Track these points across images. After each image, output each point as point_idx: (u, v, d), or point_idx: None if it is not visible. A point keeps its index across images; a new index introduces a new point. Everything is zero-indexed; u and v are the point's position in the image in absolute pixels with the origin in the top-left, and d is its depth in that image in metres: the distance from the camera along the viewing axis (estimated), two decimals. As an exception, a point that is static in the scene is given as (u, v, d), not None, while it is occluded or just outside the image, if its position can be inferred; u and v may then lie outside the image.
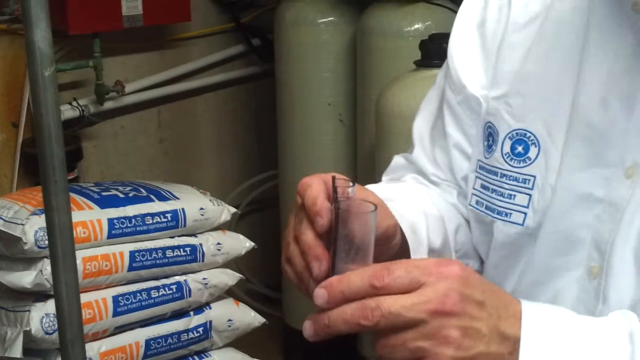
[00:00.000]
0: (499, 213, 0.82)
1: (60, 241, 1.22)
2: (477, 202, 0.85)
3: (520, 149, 0.80)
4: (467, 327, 0.60)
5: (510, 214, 0.81)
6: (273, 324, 2.26)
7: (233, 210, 1.90)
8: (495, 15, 0.85)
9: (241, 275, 1.91)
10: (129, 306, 1.71)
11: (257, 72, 2.91)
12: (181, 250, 1.79)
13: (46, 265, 1.60)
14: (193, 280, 1.81)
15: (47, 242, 1.58)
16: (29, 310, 1.60)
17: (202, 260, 1.82)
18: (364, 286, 0.61)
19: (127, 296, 1.71)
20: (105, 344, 1.67)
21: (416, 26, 2.13)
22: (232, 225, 2.52)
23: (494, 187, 0.82)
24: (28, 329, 1.57)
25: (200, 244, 1.82)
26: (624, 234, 0.73)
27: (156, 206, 1.78)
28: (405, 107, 1.88)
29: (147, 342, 1.74)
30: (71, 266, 1.23)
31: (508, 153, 0.81)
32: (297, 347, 2.81)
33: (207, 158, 2.95)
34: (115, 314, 1.68)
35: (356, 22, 2.30)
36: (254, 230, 2.82)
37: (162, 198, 1.81)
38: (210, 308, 1.86)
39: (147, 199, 1.79)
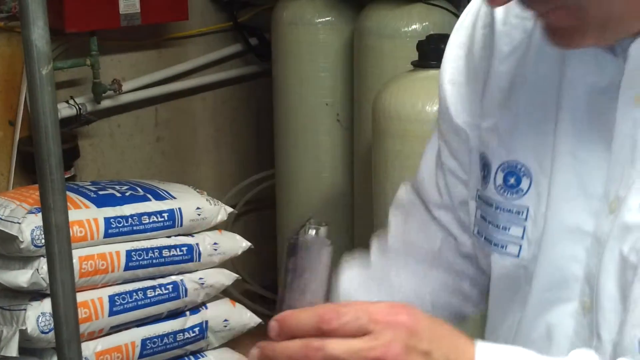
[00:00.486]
0: (495, 245, 0.82)
1: (56, 240, 1.22)
2: (478, 232, 0.85)
3: (512, 180, 0.80)
4: None
5: (506, 245, 0.81)
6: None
7: (230, 210, 1.90)
8: (481, 42, 0.85)
9: (237, 276, 1.91)
10: (125, 306, 1.71)
11: (255, 71, 2.91)
12: (178, 249, 1.79)
13: (42, 264, 1.60)
14: (189, 280, 1.81)
15: (43, 241, 1.58)
16: (25, 309, 1.60)
17: (199, 260, 1.82)
18: (311, 326, 0.61)
19: (123, 296, 1.71)
20: (101, 344, 1.67)
21: (413, 27, 2.13)
22: (228, 225, 2.52)
23: (490, 219, 0.82)
24: (24, 328, 1.57)
25: (197, 244, 1.82)
26: (607, 268, 0.73)
27: (153, 205, 1.78)
28: (402, 108, 1.88)
29: (143, 342, 1.74)
30: (67, 265, 1.23)
31: (501, 185, 0.81)
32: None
33: (204, 157, 2.95)
34: (112, 313, 1.68)
35: (353, 22, 2.31)
36: (250, 230, 2.82)
37: (159, 197, 1.81)
38: (206, 308, 1.86)
39: (143, 198, 1.79)
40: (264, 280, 2.98)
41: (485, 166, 0.83)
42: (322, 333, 0.61)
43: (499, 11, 0.83)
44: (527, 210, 0.79)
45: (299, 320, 0.62)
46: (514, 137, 0.80)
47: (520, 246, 0.79)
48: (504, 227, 0.80)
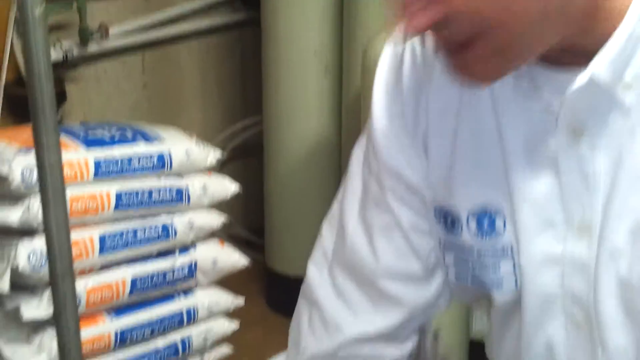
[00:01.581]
0: (491, 286, 0.82)
1: (50, 179, 1.24)
2: (457, 277, 0.85)
3: (486, 224, 0.80)
4: None
5: (501, 283, 0.81)
6: (255, 268, 2.30)
7: (218, 153, 1.92)
8: (412, 101, 0.83)
9: (226, 218, 1.94)
10: (115, 245, 1.73)
11: (243, 19, 2.91)
12: (167, 191, 1.81)
13: (33, 203, 1.61)
14: (179, 222, 1.84)
15: (33, 180, 1.61)
16: (15, 247, 1.62)
17: (188, 203, 1.85)
18: None
19: (113, 235, 1.73)
20: (92, 281, 1.70)
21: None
22: (215, 172, 2.55)
23: (475, 264, 0.82)
24: (15, 265, 1.59)
25: (187, 186, 1.84)
26: (603, 291, 0.75)
27: (142, 148, 1.80)
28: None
29: (133, 281, 1.77)
30: (61, 203, 1.25)
31: (477, 230, 0.81)
32: (279, 291, 2.86)
33: (191, 105, 2.96)
34: (102, 251, 1.71)
35: (343, -32, 2.30)
36: (236, 177, 2.81)
37: (148, 140, 1.83)
38: (195, 248, 1.89)
39: (133, 140, 1.81)
40: (251, 226, 3.02)
41: (446, 215, 0.83)
42: None
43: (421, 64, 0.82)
44: (511, 246, 0.80)
45: None
46: (473, 184, 0.80)
47: (516, 278, 0.80)
48: (493, 265, 0.81)
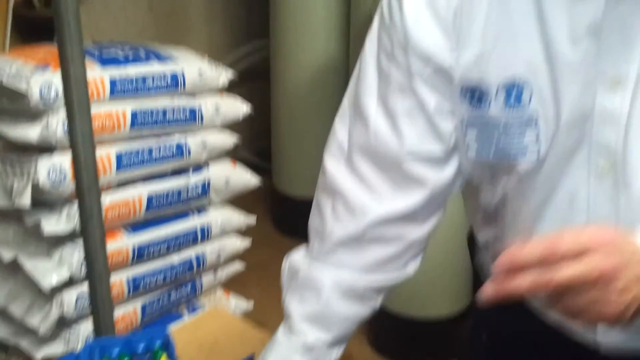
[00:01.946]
0: (515, 155, 0.87)
1: (76, 92, 1.26)
2: (478, 154, 0.90)
3: (514, 95, 0.84)
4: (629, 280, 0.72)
5: (526, 152, 0.86)
6: (262, 191, 2.34)
7: (230, 73, 1.94)
8: None
9: (238, 137, 1.97)
10: (131, 163, 1.77)
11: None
12: (181, 111, 1.84)
13: (51, 120, 1.64)
14: (192, 141, 1.87)
15: (52, 97, 1.63)
16: (35, 163, 1.64)
17: (201, 122, 1.88)
18: (536, 259, 0.72)
19: (129, 153, 1.77)
20: (109, 198, 1.74)
21: None
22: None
23: (500, 136, 0.87)
24: (36, 180, 1.62)
25: (199, 106, 1.87)
26: (633, 139, 0.81)
27: (156, 67, 1.81)
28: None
29: (149, 198, 1.81)
30: (86, 116, 1.28)
31: (505, 103, 0.85)
32: (285, 213, 2.92)
33: (197, 28, 2.96)
34: (119, 169, 1.74)
35: None
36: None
37: (161, 59, 1.84)
38: (208, 167, 1.93)
39: (146, 60, 1.82)
40: (257, 150, 3.06)
41: (473, 92, 0.87)
42: (547, 263, 0.71)
43: None
44: (537, 115, 0.84)
45: (525, 256, 0.72)
46: (503, 57, 0.84)
47: (539, 147, 0.86)
48: (519, 135, 0.86)
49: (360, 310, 0.99)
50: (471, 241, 1.14)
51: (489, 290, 0.74)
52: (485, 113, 0.87)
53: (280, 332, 0.99)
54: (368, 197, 0.95)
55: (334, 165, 0.98)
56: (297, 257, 1.02)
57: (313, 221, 1.01)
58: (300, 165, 2.76)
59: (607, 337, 0.92)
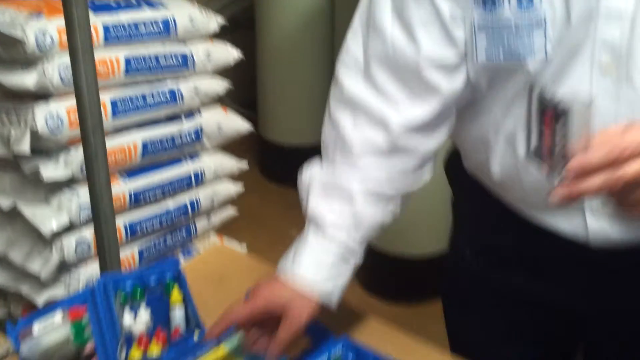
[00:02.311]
0: (525, 54, 0.91)
1: (79, 35, 1.28)
2: (488, 56, 0.94)
3: None
4: None
5: (534, 50, 0.91)
6: (249, 139, 2.37)
7: (220, 20, 1.96)
8: None
9: (228, 82, 2.00)
10: (126, 109, 1.79)
11: None
12: (172, 57, 1.86)
13: (47, 66, 1.65)
14: (185, 87, 1.89)
15: (47, 43, 1.64)
16: (32, 110, 1.66)
17: (193, 68, 1.90)
18: (604, 162, 0.77)
19: (124, 100, 1.79)
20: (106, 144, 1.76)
21: None
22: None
23: (510, 37, 0.91)
24: (34, 127, 1.64)
25: (191, 52, 1.89)
26: (639, 34, 0.86)
27: (148, 13, 1.82)
28: None
29: (144, 144, 1.84)
30: (90, 60, 1.30)
31: (518, 3, 0.89)
32: (273, 160, 2.96)
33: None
34: (114, 115, 1.77)
35: None
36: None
37: (152, 5, 1.86)
38: (200, 114, 1.96)
39: (138, 6, 1.83)
40: (242, 100, 3.08)
41: None
42: (616, 163, 0.77)
43: None
44: (546, 18, 0.89)
45: (593, 159, 0.77)
46: None
47: (546, 45, 0.90)
48: (528, 35, 0.90)
49: (386, 214, 1.05)
50: (449, 169, 1.19)
51: (561, 192, 0.79)
52: (499, 16, 0.91)
53: (311, 234, 1.04)
54: (386, 106, 1.00)
55: (351, 78, 1.02)
56: (317, 169, 1.06)
57: (329, 135, 1.06)
58: (286, 112, 2.79)
59: (597, 236, 0.97)
